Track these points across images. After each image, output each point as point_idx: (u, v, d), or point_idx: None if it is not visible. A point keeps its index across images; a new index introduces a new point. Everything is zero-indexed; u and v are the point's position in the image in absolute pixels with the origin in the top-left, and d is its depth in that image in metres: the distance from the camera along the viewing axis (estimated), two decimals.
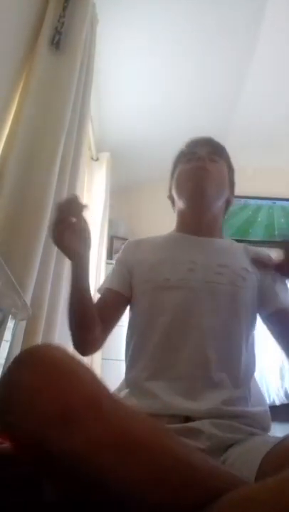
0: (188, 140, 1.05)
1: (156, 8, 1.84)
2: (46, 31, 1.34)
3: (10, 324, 0.97)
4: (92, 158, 2.57)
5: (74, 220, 0.80)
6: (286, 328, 0.87)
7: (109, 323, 0.92)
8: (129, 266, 0.97)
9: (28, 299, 1.04)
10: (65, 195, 1.34)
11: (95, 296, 0.95)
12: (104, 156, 2.61)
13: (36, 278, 1.10)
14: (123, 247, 1.04)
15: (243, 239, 2.81)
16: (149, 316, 0.86)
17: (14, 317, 1.00)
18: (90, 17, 1.55)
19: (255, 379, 0.87)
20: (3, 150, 1.16)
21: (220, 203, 1.01)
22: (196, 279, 0.86)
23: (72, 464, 0.39)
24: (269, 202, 3.18)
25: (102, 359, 2.17)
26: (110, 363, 2.11)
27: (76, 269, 0.84)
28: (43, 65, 1.30)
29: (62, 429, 0.40)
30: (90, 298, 0.86)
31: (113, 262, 1.06)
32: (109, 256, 2.55)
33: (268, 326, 0.90)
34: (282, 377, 2.14)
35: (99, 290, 0.97)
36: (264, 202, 3.15)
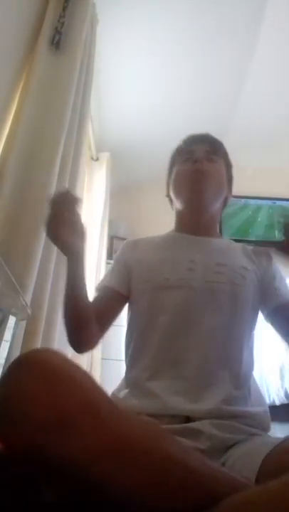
0: (186, 137, 1.04)
1: (156, 8, 1.84)
2: (46, 31, 1.34)
3: (10, 324, 0.97)
4: (92, 158, 2.57)
5: (67, 214, 0.79)
6: None
7: (106, 321, 0.91)
8: (128, 265, 0.96)
9: (28, 299, 1.04)
10: None
11: (93, 294, 0.95)
12: (104, 156, 2.61)
13: (36, 278, 1.10)
14: (121, 246, 1.04)
15: (243, 239, 2.81)
16: (150, 316, 0.86)
17: (14, 317, 1.00)
18: (90, 17, 1.55)
19: (254, 379, 0.87)
20: (3, 150, 1.16)
21: (218, 204, 1.01)
22: (196, 278, 0.86)
23: (70, 469, 0.39)
24: (269, 202, 3.18)
25: (102, 359, 2.17)
26: (110, 363, 2.11)
27: (72, 265, 0.84)
28: (43, 65, 1.29)
29: (60, 435, 0.40)
30: (85, 294, 0.86)
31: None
32: (110, 256, 2.55)
33: (271, 322, 0.90)
34: (282, 377, 2.14)
35: (97, 288, 0.97)
36: (264, 202, 3.15)
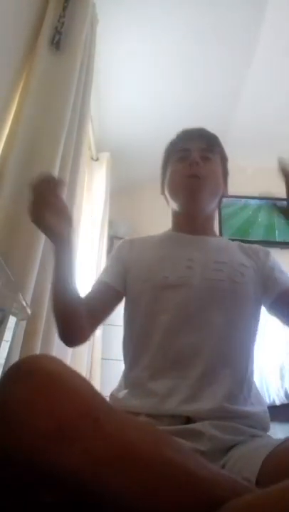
0: (181, 131, 1.03)
1: (156, 9, 1.84)
2: (46, 31, 1.34)
3: (10, 324, 0.96)
4: (92, 158, 2.56)
5: (51, 198, 0.79)
6: None
7: (98, 315, 0.91)
8: (125, 264, 0.96)
9: (28, 299, 1.04)
10: (65, 195, 1.34)
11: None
12: (104, 156, 2.61)
13: (36, 278, 1.10)
14: (117, 246, 1.04)
15: (243, 239, 2.80)
16: (150, 316, 0.85)
17: (14, 317, 0.99)
18: (90, 17, 1.55)
19: (254, 378, 0.87)
20: (3, 150, 1.16)
21: (214, 204, 1.01)
22: (195, 276, 0.86)
23: (70, 477, 0.38)
24: (269, 202, 3.17)
25: (102, 359, 2.16)
26: (110, 363, 2.11)
27: (58, 251, 0.82)
28: (43, 65, 1.29)
29: (59, 442, 0.39)
30: (73, 286, 0.84)
31: None
32: None
33: (274, 311, 0.88)
34: (282, 377, 2.14)
35: (92, 284, 0.97)
36: (264, 202, 3.15)
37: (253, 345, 0.88)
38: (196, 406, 0.73)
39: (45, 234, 0.83)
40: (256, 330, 0.90)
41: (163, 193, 1.05)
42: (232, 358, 0.81)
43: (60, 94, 1.31)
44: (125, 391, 0.82)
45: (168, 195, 1.01)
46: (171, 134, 1.05)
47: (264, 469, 0.53)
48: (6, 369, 0.47)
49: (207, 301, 0.84)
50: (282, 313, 0.87)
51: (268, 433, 0.79)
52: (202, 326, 0.81)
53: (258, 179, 2.91)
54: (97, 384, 2.02)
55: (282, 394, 2.09)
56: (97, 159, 2.60)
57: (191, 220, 0.99)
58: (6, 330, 0.93)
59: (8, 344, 0.96)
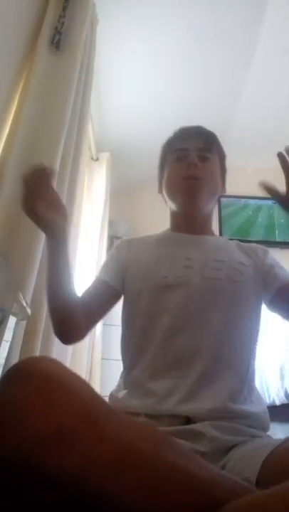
0: (178, 129, 1.03)
1: (156, 9, 1.83)
2: (46, 31, 1.34)
3: (10, 324, 0.96)
4: (92, 158, 2.56)
5: (43, 189, 0.79)
6: None
7: (96, 313, 0.91)
8: (123, 264, 0.96)
9: (28, 299, 1.04)
10: (65, 195, 1.34)
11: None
12: (104, 156, 2.60)
13: (36, 278, 1.10)
14: (116, 245, 1.03)
15: (243, 239, 2.80)
16: (150, 316, 0.85)
17: (14, 317, 0.99)
18: (90, 17, 1.55)
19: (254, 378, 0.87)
20: (3, 150, 1.16)
21: (212, 204, 1.01)
22: (194, 275, 0.86)
23: (70, 479, 0.38)
24: (269, 202, 3.17)
25: (102, 359, 2.16)
26: (110, 363, 2.11)
27: (52, 244, 0.82)
28: (43, 65, 1.29)
29: (59, 445, 0.39)
30: (68, 281, 0.84)
31: None
32: None
33: (275, 306, 0.88)
34: (282, 377, 2.14)
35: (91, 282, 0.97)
36: (264, 202, 3.15)
37: (254, 344, 0.88)
38: (195, 405, 0.73)
39: (38, 225, 0.83)
40: (258, 329, 0.90)
41: (161, 192, 1.05)
42: (232, 357, 0.81)
43: (60, 94, 1.31)
44: (125, 391, 0.81)
45: (166, 195, 1.01)
46: (171, 133, 1.05)
47: (264, 470, 0.53)
48: (6, 369, 0.47)
49: (207, 300, 0.83)
50: (282, 307, 0.87)
51: (268, 433, 0.79)
52: (202, 325, 0.81)
53: (258, 179, 2.91)
54: (97, 384, 2.02)
55: (282, 394, 2.09)
56: (97, 159, 2.60)
57: (189, 220, 0.99)
58: (6, 330, 0.93)
59: (8, 344, 0.96)
